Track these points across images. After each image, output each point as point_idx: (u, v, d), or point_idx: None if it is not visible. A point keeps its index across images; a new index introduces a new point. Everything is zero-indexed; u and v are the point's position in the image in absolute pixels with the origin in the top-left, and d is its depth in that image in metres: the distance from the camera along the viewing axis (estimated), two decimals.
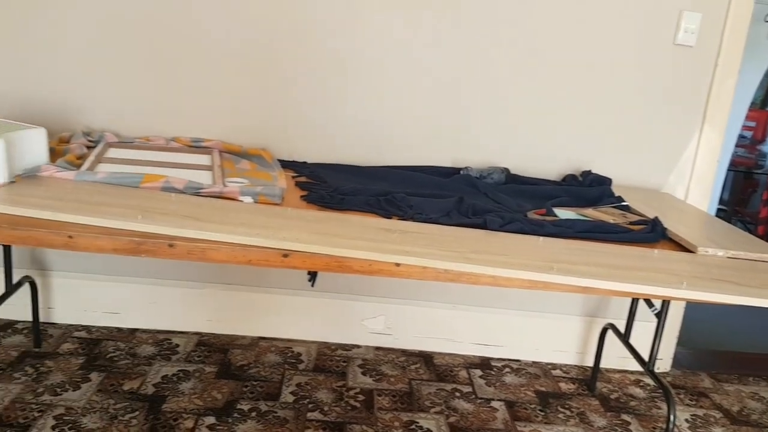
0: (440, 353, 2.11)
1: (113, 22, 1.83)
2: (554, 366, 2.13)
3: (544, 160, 2.00)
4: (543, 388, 1.97)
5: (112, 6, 1.82)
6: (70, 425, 1.54)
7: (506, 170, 1.85)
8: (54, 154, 1.55)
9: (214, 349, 1.97)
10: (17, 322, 2.00)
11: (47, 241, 1.14)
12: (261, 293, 2.05)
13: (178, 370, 1.84)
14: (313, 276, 1.77)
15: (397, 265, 1.20)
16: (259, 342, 2.05)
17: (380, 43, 1.89)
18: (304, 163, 1.90)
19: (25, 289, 1.90)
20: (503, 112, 1.96)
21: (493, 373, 2.03)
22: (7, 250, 1.74)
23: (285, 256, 1.19)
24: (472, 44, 1.90)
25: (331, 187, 1.59)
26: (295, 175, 1.74)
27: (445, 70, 1.92)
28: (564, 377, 2.06)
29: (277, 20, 1.86)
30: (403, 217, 1.42)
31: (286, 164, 1.85)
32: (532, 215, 1.53)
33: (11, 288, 1.76)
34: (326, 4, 1.85)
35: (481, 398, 1.88)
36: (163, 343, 1.98)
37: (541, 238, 1.40)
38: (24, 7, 1.80)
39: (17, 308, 1.98)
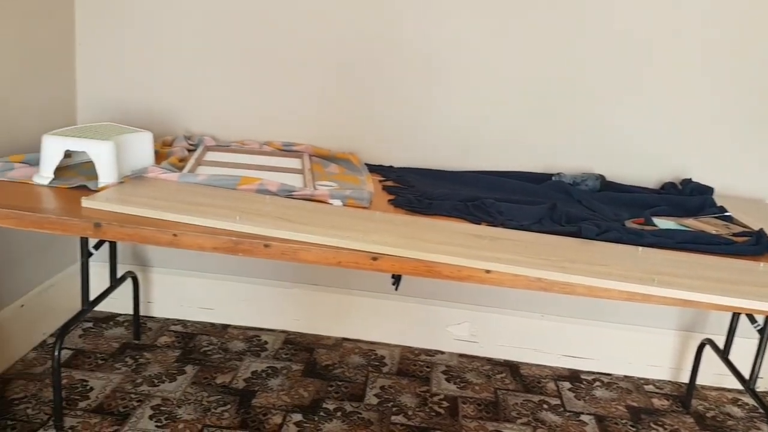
0: (527, 364, 2.07)
1: (211, 35, 1.91)
2: (647, 381, 2.04)
3: (641, 167, 1.92)
4: (635, 404, 1.90)
5: (211, 20, 1.90)
6: (167, 415, 1.62)
7: (601, 177, 1.79)
8: (158, 157, 1.63)
9: (301, 348, 2.02)
10: (119, 314, 2.12)
11: (154, 239, 1.20)
12: (346, 295, 2.08)
13: (267, 367, 1.89)
14: (397, 280, 1.77)
15: (488, 271, 1.18)
16: (344, 343, 2.08)
17: (469, 47, 1.87)
18: (391, 167, 1.91)
19: (128, 283, 2.01)
20: (598, 116, 1.90)
21: (582, 386, 1.97)
22: (113, 246, 1.85)
23: (374, 259, 1.20)
24: (566, 47, 1.86)
25: (418, 191, 1.59)
26: (382, 179, 1.75)
27: (538, 72, 1.88)
28: (657, 393, 1.97)
29: (366, 27, 1.88)
30: (493, 223, 1.40)
31: (373, 168, 1.86)
32: (629, 224, 1.47)
33: (115, 282, 1.87)
34: (414, 10, 1.86)
35: (569, 411, 1.82)
36: (253, 339, 2.04)
37: (640, 248, 1.34)
38: (131, 21, 1.91)
39: (119, 302, 2.10)
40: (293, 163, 1.76)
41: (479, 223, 1.40)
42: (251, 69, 1.94)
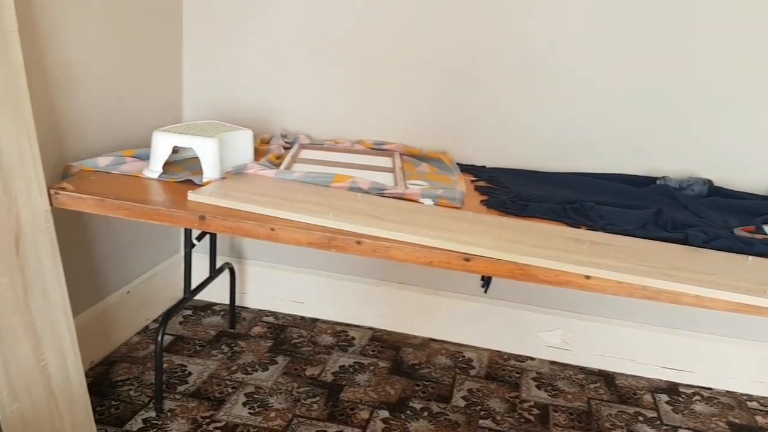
0: (623, 374, 1.98)
1: (307, 37, 1.95)
2: (750, 397, 1.91)
3: (751, 172, 1.80)
4: (737, 420, 1.78)
5: (307, 24, 1.94)
6: (259, 403, 1.67)
7: (709, 181, 1.69)
8: (257, 154, 1.69)
9: (387, 346, 2.03)
10: (216, 304, 2.21)
11: (253, 233, 1.24)
12: (432, 295, 2.07)
13: (354, 362, 1.91)
14: (486, 282, 1.75)
15: (588, 277, 1.14)
16: (430, 343, 2.07)
17: (570, 43, 1.82)
18: (483, 167, 1.89)
19: (225, 274, 2.09)
20: (706, 118, 1.79)
21: (681, 399, 1.87)
22: (213, 238, 1.93)
23: (466, 260, 1.19)
24: (676, 46, 1.76)
25: (512, 192, 1.56)
26: (474, 179, 1.73)
27: (641, 71, 1.80)
28: (761, 410, 1.84)
29: (458, 24, 1.86)
30: (593, 228, 1.36)
31: (464, 168, 1.84)
32: (739, 232, 1.38)
33: (214, 273, 1.94)
34: (510, 8, 1.82)
35: (667, 425, 1.73)
36: (341, 334, 2.07)
37: (750, 257, 1.26)
38: (233, 24, 1.99)
39: (217, 291, 2.19)
40: (384, 161, 1.77)
41: (578, 227, 1.36)
42: (344, 69, 1.96)
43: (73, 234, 1.65)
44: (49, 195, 1.30)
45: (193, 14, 2.01)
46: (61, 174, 1.49)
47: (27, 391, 1.22)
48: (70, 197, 1.30)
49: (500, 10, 1.83)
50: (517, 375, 1.93)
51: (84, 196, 1.30)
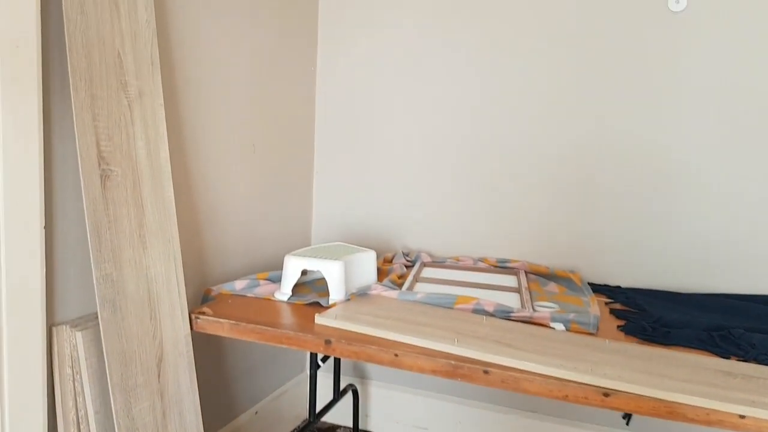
0: None
1: (424, 158, 2.02)
2: None
3: None
4: None
5: (422, 145, 2.01)
6: None
7: None
8: (380, 273, 1.72)
9: None
10: (339, 426, 2.18)
11: (377, 358, 1.23)
12: (568, 425, 1.92)
13: None
14: (628, 415, 1.60)
15: (742, 417, 1.02)
16: None
17: (704, 155, 1.74)
18: (618, 287, 1.79)
19: (348, 395, 2.07)
20: None
21: None
22: (337, 360, 1.94)
23: (606, 395, 1.10)
24: None
25: (652, 316, 1.46)
26: (609, 300, 1.64)
27: None
28: None
29: (585, 135, 1.84)
30: (745, 358, 1.22)
31: (597, 288, 1.76)
32: None
33: (338, 395, 1.94)
34: (641, 112, 1.79)
35: None
36: None
37: None
38: (356, 152, 2.10)
39: (340, 412, 2.17)
40: (509, 280, 1.73)
41: (728, 357, 1.23)
42: (464, 186, 1.99)
43: (207, 354, 1.72)
44: (191, 319, 1.38)
45: (321, 145, 2.15)
46: (201, 297, 1.59)
47: None
48: (209, 321, 1.38)
49: (629, 122, 1.80)
50: None
51: (221, 320, 1.37)
